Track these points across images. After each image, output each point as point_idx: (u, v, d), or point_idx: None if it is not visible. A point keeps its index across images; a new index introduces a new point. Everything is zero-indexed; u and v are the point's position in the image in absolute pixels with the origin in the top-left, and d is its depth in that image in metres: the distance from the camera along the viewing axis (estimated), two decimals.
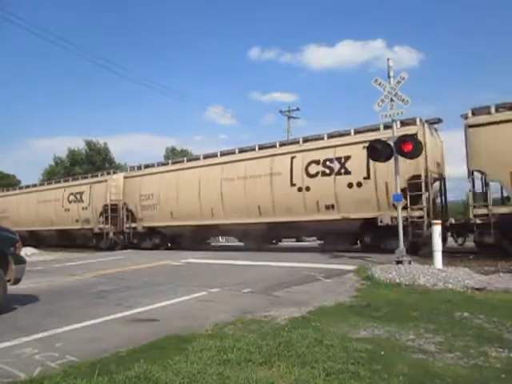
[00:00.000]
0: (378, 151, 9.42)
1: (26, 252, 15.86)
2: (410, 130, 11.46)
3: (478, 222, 10.77)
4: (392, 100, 9.10)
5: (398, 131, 10.88)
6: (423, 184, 11.33)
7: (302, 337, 4.06)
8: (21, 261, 6.18)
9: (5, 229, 6.49)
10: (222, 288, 7.19)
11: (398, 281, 7.28)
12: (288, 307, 5.52)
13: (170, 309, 5.83)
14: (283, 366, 3.33)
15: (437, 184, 12.85)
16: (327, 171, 13.01)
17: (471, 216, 10.93)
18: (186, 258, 12.66)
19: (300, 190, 13.42)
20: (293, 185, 13.58)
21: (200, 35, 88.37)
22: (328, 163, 13.00)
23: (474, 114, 11.13)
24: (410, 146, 8.89)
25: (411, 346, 3.89)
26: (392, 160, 9.29)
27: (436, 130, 13.01)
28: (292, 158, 13.80)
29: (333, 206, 12.89)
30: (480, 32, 79.77)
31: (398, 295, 6.34)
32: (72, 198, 21.54)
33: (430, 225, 10.04)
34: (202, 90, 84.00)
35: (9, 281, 5.92)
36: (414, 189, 11.50)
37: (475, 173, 11.26)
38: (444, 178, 13.10)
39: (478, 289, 6.51)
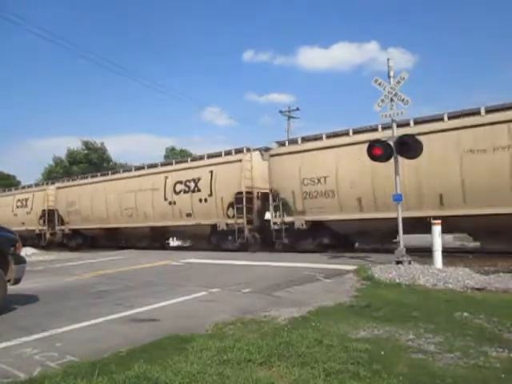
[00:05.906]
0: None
1: (26, 252, 15.94)
2: (242, 156, 15.05)
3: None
4: (392, 100, 9.09)
5: (232, 157, 15.42)
6: (244, 198, 14.71)
7: (302, 337, 4.06)
8: (21, 261, 6.19)
9: (5, 229, 6.50)
10: (222, 288, 7.19)
11: (397, 281, 7.28)
12: (288, 307, 5.51)
13: (170, 309, 5.83)
14: (283, 366, 3.33)
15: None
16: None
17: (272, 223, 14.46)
18: (186, 258, 12.66)
19: None
20: None
21: (198, 36, 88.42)
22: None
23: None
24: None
25: (411, 346, 3.88)
26: None
27: (266, 151, 15.18)
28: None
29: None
30: (477, 32, 79.84)
31: (397, 295, 6.34)
32: None
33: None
34: (200, 91, 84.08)
35: (9, 281, 5.93)
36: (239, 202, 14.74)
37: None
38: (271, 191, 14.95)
39: (478, 289, 6.51)
